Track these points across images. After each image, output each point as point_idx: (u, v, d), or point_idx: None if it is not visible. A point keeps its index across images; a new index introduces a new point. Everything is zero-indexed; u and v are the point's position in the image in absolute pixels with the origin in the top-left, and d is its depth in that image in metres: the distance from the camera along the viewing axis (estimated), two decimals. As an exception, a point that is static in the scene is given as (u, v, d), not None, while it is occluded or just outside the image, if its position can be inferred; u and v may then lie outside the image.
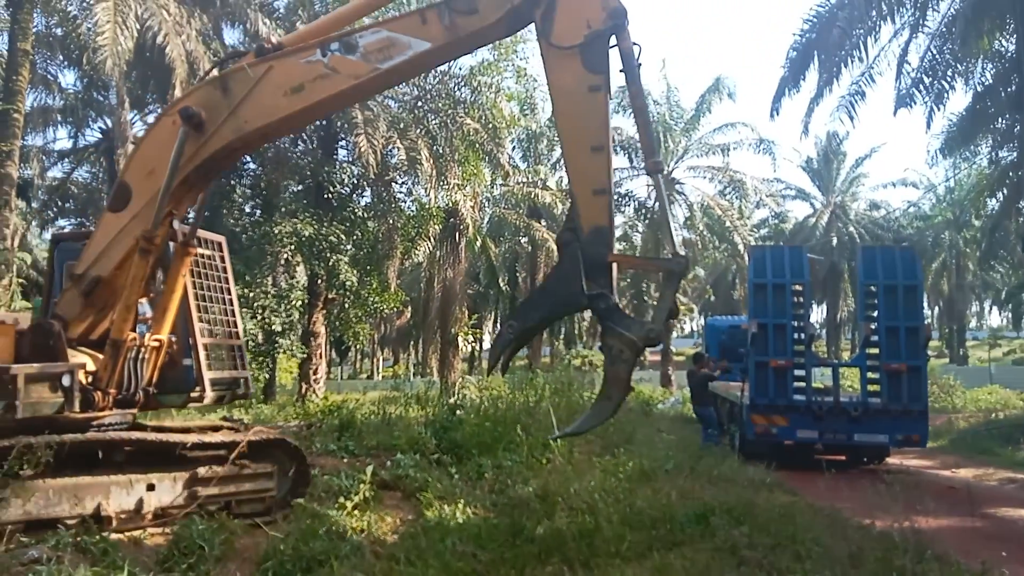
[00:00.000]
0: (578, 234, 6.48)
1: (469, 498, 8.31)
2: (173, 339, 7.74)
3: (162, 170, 6.78)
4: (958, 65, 19.41)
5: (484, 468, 9.68)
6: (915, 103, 19.31)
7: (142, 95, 22.18)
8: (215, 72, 7.38)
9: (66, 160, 25.98)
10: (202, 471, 7.44)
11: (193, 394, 7.93)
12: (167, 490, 7.25)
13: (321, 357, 22.94)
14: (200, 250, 8.09)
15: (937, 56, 18.99)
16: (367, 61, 6.76)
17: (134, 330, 7.25)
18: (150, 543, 6.84)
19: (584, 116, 6.62)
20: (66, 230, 27.45)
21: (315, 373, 22.12)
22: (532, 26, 6.76)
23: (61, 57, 21.46)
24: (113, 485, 6.94)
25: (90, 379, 7.08)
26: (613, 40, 6.45)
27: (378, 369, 65.90)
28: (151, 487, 7.15)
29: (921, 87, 19.15)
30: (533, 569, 6.31)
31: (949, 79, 19.46)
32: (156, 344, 7.51)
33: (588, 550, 6.57)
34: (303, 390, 21.81)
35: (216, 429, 8.47)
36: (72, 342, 7.20)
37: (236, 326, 8.84)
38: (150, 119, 24.57)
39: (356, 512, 7.68)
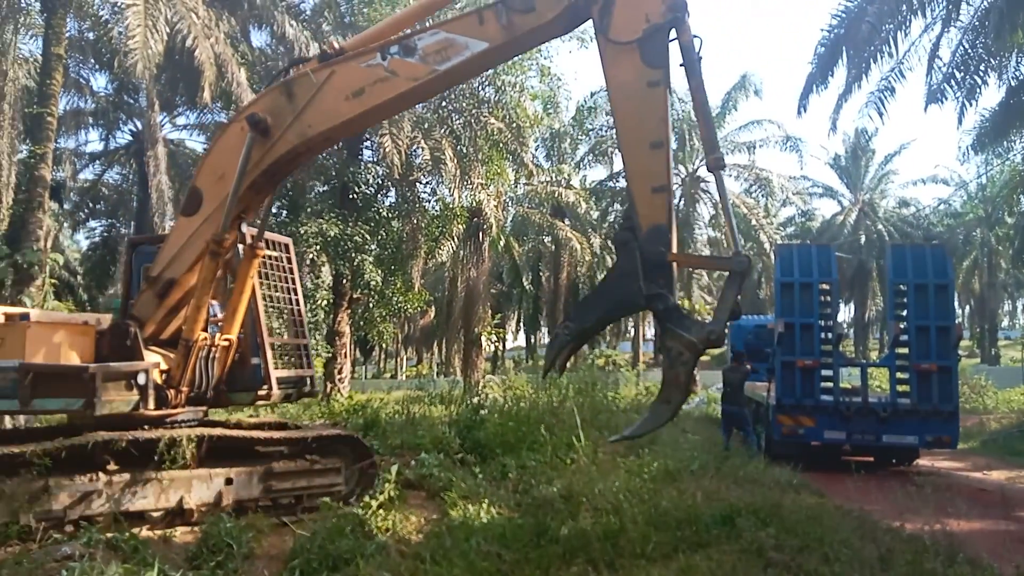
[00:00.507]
0: (636, 233, 6.40)
1: (493, 498, 8.33)
2: (242, 338, 8.09)
3: (231, 175, 7.00)
4: (991, 59, 19.04)
5: (508, 468, 9.70)
6: (946, 99, 18.99)
7: (171, 98, 22.51)
8: (282, 78, 7.54)
9: (97, 162, 26.44)
10: (277, 466, 7.81)
11: (261, 392, 8.27)
12: (243, 484, 7.62)
13: (346, 356, 23.10)
14: (268, 252, 8.38)
15: (969, 50, 18.65)
16: (425, 63, 6.84)
17: (205, 330, 7.58)
18: (179, 541, 6.96)
19: (643, 112, 6.54)
20: (96, 231, 27.98)
21: (340, 372, 22.29)
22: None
23: (93, 61, 21.83)
24: (195, 479, 7.29)
25: (164, 377, 7.42)
26: (672, 34, 6.38)
27: (402, 368, 66.24)
28: (229, 481, 7.51)
29: (952, 82, 18.82)
30: (558, 569, 6.31)
31: (982, 74, 19.11)
32: (226, 344, 7.82)
33: (613, 551, 6.55)
34: (328, 389, 21.98)
35: (282, 427, 8.79)
36: (147, 341, 7.55)
37: (303, 325, 9.22)
38: (180, 121, 25.02)
39: (381, 511, 7.73)
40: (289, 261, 9.20)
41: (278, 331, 8.98)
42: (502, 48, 7.03)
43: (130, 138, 24.46)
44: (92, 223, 28.37)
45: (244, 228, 7.73)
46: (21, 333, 7.04)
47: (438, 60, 6.84)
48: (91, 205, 27.48)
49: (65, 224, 31.25)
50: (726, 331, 6.28)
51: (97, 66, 22.12)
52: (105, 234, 27.31)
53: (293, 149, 7.23)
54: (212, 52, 17.59)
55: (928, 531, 6.47)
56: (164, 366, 7.49)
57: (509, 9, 6.65)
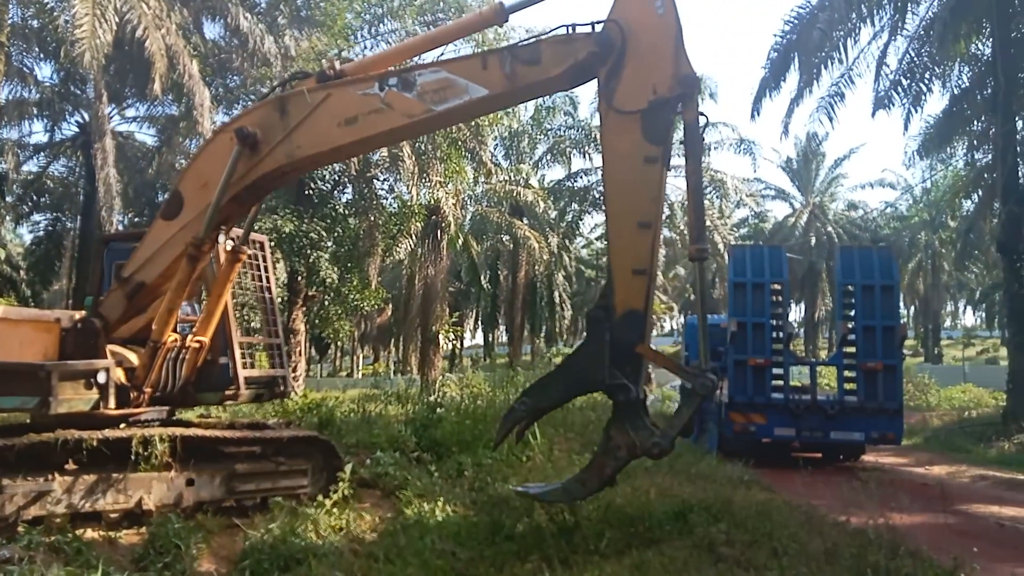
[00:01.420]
0: (610, 314, 6.23)
1: (449, 496, 8.30)
2: (212, 338, 7.99)
3: (215, 184, 6.81)
4: (935, 68, 19.70)
5: (464, 466, 9.67)
6: (893, 105, 19.60)
7: (120, 89, 21.87)
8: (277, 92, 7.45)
9: (42, 154, 25.56)
10: (240, 467, 7.72)
11: (228, 392, 8.18)
12: (205, 485, 7.52)
13: (300, 354, 22.79)
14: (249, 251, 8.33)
15: (915, 58, 19.26)
16: (422, 101, 6.61)
17: (175, 331, 7.49)
18: (125, 542, 6.78)
19: (636, 188, 6.32)
20: (41, 224, 27.09)
21: (294, 371, 21.93)
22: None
23: (37, 49, 21.13)
24: (154, 480, 7.16)
25: (127, 376, 7.32)
26: (678, 107, 6.19)
27: (358, 367, 65.62)
28: (191, 482, 7.40)
29: (899, 89, 19.41)
30: (512, 567, 6.31)
31: (927, 81, 19.75)
32: (197, 345, 7.76)
33: (567, 547, 6.59)
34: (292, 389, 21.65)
35: (257, 427, 8.68)
36: (112, 340, 7.42)
37: (276, 325, 9.06)
38: (129, 113, 24.37)
39: (335, 510, 7.65)
40: (264, 260, 9.08)
41: (257, 330, 8.90)
42: (502, 97, 6.84)
43: (77, 130, 23.70)
44: (36, 216, 27.48)
45: (221, 236, 7.63)
46: None
47: (435, 100, 6.61)
48: (35, 198, 26.59)
49: (7, 217, 30.18)
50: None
51: (42, 55, 21.42)
52: (50, 228, 26.46)
53: (279, 168, 7.05)
54: (163, 43, 17.18)
55: (872, 525, 6.64)
56: (127, 365, 7.37)
57: (514, 58, 6.45)
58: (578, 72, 6.51)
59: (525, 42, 6.67)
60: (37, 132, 25.26)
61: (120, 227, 20.04)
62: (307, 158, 7.08)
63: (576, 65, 6.36)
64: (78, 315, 7.59)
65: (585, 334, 6.82)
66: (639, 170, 6.26)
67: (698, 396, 6.35)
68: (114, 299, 7.33)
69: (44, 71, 22.51)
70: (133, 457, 7.03)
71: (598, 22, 6.33)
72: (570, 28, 6.41)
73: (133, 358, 7.54)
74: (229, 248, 7.79)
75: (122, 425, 7.37)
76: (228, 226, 7.63)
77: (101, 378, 7.01)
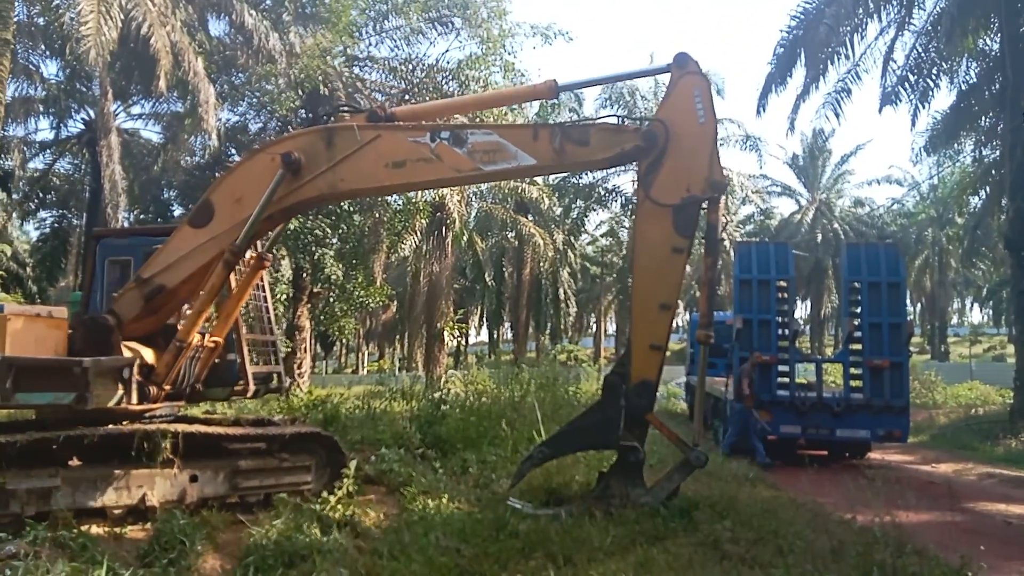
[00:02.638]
0: (626, 380, 7.05)
1: (453, 493, 8.30)
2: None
3: (249, 199, 7.13)
4: (943, 63, 19.56)
5: (468, 463, 9.67)
6: (900, 101, 19.47)
7: (126, 86, 21.90)
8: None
9: (48, 151, 25.63)
10: (244, 463, 7.78)
11: (237, 388, 8.49)
12: (209, 482, 7.59)
13: (306, 351, 22.79)
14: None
15: (923, 54, 19.13)
16: (471, 158, 7.05)
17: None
18: (131, 538, 6.80)
19: (661, 273, 7.07)
20: (47, 221, 27.17)
21: (299, 367, 21.98)
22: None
23: (43, 47, 21.17)
24: (158, 476, 7.23)
25: (145, 373, 7.53)
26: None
27: (363, 364, 65.71)
28: (194, 478, 7.48)
29: (906, 85, 19.29)
30: (516, 564, 6.30)
31: (934, 77, 19.62)
32: (212, 344, 8.10)
33: (571, 545, 6.57)
34: (287, 384, 21.67)
35: (262, 423, 8.77)
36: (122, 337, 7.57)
37: (271, 322, 9.34)
38: (135, 110, 24.40)
39: (339, 506, 7.66)
40: None
41: (250, 328, 9.07)
42: (548, 168, 7.33)
43: (82, 127, 23.73)
44: (42, 213, 27.54)
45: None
46: (1, 326, 6.93)
47: (485, 160, 7.06)
48: (41, 195, 26.66)
49: (14, 214, 30.29)
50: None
51: (48, 52, 21.46)
52: (56, 225, 26.52)
53: (320, 196, 7.42)
54: (168, 40, 17.18)
55: (878, 523, 6.61)
56: (142, 362, 7.52)
57: (565, 136, 6.96)
58: (622, 159, 7.28)
59: (578, 123, 7.50)
60: (43, 129, 25.40)
61: (126, 223, 20.09)
62: (349, 191, 7.64)
63: (622, 153, 7.11)
64: (58, 310, 7.71)
65: (601, 396, 7.52)
66: (666, 258, 7.05)
67: (691, 467, 7.30)
68: (131, 298, 7.42)
69: (50, 68, 22.62)
70: (135, 454, 7.08)
71: (646, 119, 7.06)
72: (621, 120, 7.44)
73: (148, 355, 7.67)
74: (254, 255, 8.18)
75: (124, 421, 7.45)
76: (258, 239, 8.01)
77: (126, 374, 7.17)
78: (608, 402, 7.23)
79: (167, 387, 7.62)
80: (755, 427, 12.98)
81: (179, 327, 7.63)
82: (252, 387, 8.48)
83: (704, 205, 7.03)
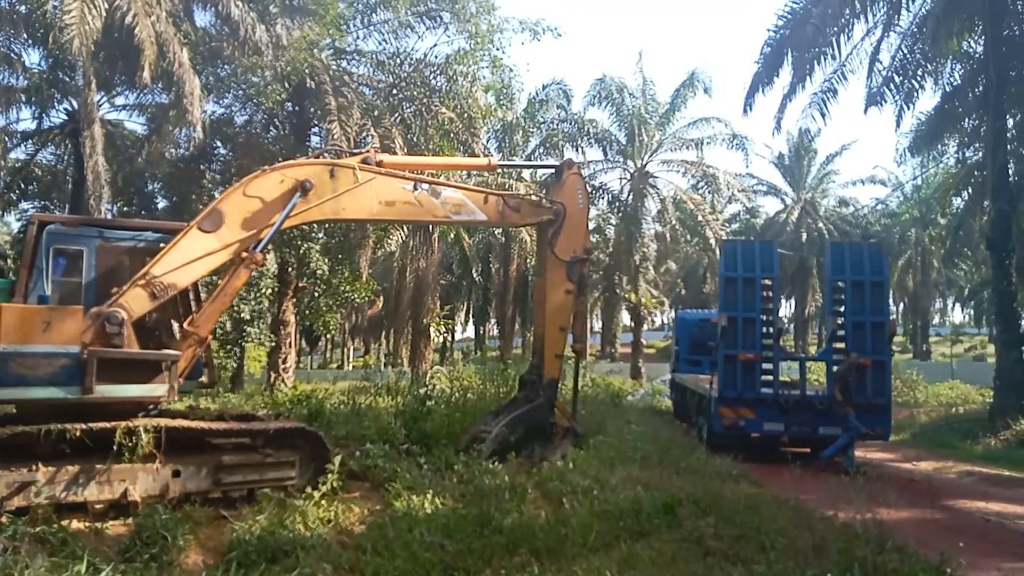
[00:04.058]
0: (540, 377, 10.28)
1: (438, 488, 8.28)
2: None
3: (259, 212, 8.20)
4: (928, 65, 19.71)
5: (453, 459, 9.65)
6: (885, 101, 19.59)
7: (110, 77, 21.62)
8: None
9: (30, 141, 25.27)
10: (227, 459, 7.79)
11: (202, 380, 8.81)
12: (192, 477, 7.61)
13: (290, 346, 22.68)
14: None
15: (908, 55, 19.27)
16: (443, 208, 9.40)
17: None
18: (112, 533, 6.74)
19: (561, 307, 10.42)
20: (28, 212, 26.81)
21: (284, 362, 21.86)
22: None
23: (25, 35, 20.86)
24: (140, 471, 7.21)
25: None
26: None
27: (348, 359, 65.49)
28: (177, 473, 7.48)
29: (892, 86, 19.42)
30: (501, 559, 6.31)
31: (919, 78, 19.77)
32: (199, 339, 8.33)
33: (556, 540, 6.59)
34: (272, 379, 21.57)
35: (245, 418, 8.76)
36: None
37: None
38: (118, 101, 24.12)
39: (323, 502, 7.62)
40: None
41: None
42: (494, 223, 10.86)
43: (65, 117, 23.41)
44: (24, 205, 27.16)
45: None
46: (75, 318, 7.11)
47: (453, 211, 9.52)
48: (23, 186, 26.26)
49: (-6, 205, 29.90)
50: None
51: (30, 41, 21.15)
52: (38, 216, 26.15)
53: (324, 218, 9.40)
54: (153, 30, 17.00)
55: (860, 520, 6.67)
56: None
57: (504, 203, 10.03)
58: (540, 224, 10.48)
59: (513, 195, 10.92)
60: (25, 119, 24.90)
61: (109, 215, 19.88)
62: (347, 218, 10.39)
63: (540, 221, 10.40)
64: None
65: (521, 391, 10.66)
66: (563, 296, 10.42)
67: (573, 435, 10.69)
68: (138, 295, 7.61)
69: (32, 57, 22.25)
70: (116, 448, 7.02)
71: (554, 201, 10.38)
72: (542, 198, 10.53)
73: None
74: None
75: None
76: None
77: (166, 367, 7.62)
78: (531, 393, 10.24)
79: (181, 380, 7.87)
80: (854, 433, 12.51)
81: (189, 324, 8.01)
82: (211, 379, 9.10)
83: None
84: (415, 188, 9.21)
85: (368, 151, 9.39)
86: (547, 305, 10.29)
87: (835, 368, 13.04)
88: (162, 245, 7.99)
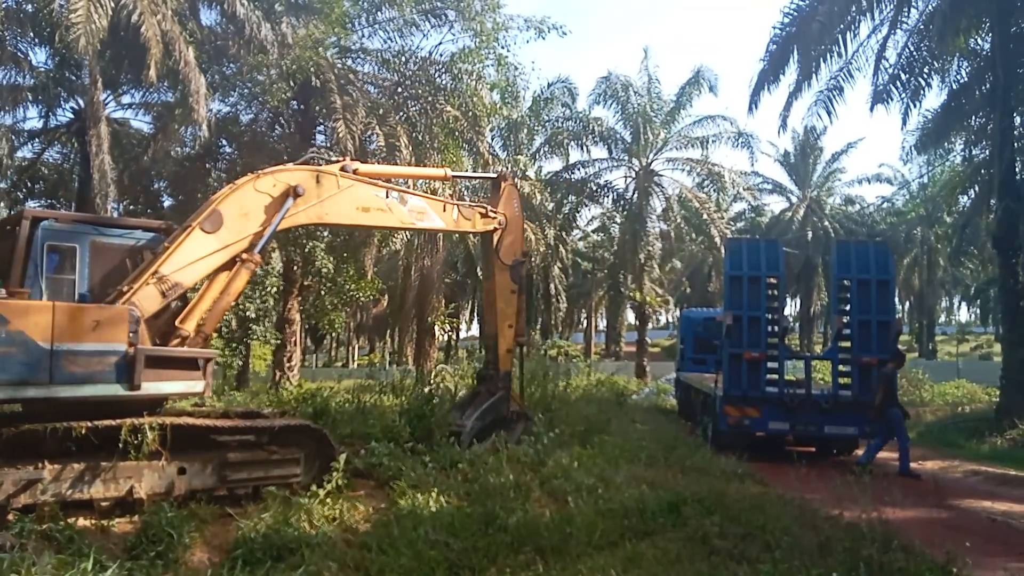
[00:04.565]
0: (497, 372, 11.17)
1: (443, 487, 8.29)
2: None
3: (254, 215, 8.61)
4: (935, 62, 19.59)
5: (458, 457, 9.67)
6: (892, 99, 19.47)
7: (116, 75, 21.68)
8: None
9: (36, 140, 25.36)
10: (232, 456, 7.84)
11: None
12: (197, 474, 7.65)
13: (296, 344, 22.72)
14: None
15: (914, 53, 19.16)
16: (409, 215, 10.16)
17: None
18: (118, 531, 6.76)
19: (508, 305, 11.39)
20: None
21: (289, 360, 21.91)
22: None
23: (32, 34, 20.92)
24: (145, 469, 7.24)
25: None
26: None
27: (354, 357, 65.58)
28: (182, 471, 7.51)
29: (898, 83, 19.30)
30: (506, 558, 6.31)
31: (926, 76, 19.65)
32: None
33: (561, 539, 6.59)
34: (277, 377, 21.61)
35: (250, 415, 8.80)
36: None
37: None
38: (125, 99, 24.18)
39: (328, 500, 7.64)
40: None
41: None
42: (450, 230, 12.00)
43: (71, 116, 23.48)
44: (31, 203, 27.26)
45: None
46: (122, 317, 7.31)
47: (417, 217, 10.27)
48: (29, 184, 26.36)
49: (1, 203, 30.00)
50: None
51: (36, 40, 21.21)
52: (44, 215, 26.20)
53: (310, 222, 9.87)
54: (159, 29, 17.02)
55: (865, 519, 6.66)
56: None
57: (459, 211, 10.92)
58: (487, 232, 11.27)
59: (468, 205, 11.31)
60: (32, 118, 25.01)
61: (115, 214, 19.95)
62: (331, 223, 11.05)
63: (486, 230, 11.24)
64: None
65: (479, 383, 11.67)
66: (509, 296, 11.40)
67: (529, 420, 11.50)
68: (150, 294, 7.76)
69: (39, 56, 22.31)
70: (122, 446, 7.03)
71: (496, 212, 11.19)
72: (488, 208, 11.18)
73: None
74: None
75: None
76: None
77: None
78: (492, 388, 11.13)
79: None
80: (903, 438, 12.54)
81: (200, 322, 8.21)
82: None
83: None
84: (387, 195, 9.87)
85: (345, 159, 9.96)
86: (498, 306, 11.23)
87: (881, 370, 12.81)
88: (151, 243, 8.19)
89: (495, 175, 12.11)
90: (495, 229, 11.21)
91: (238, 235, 8.43)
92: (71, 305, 7.24)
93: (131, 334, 7.38)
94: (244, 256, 8.47)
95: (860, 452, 14.48)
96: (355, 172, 9.63)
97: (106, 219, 9.68)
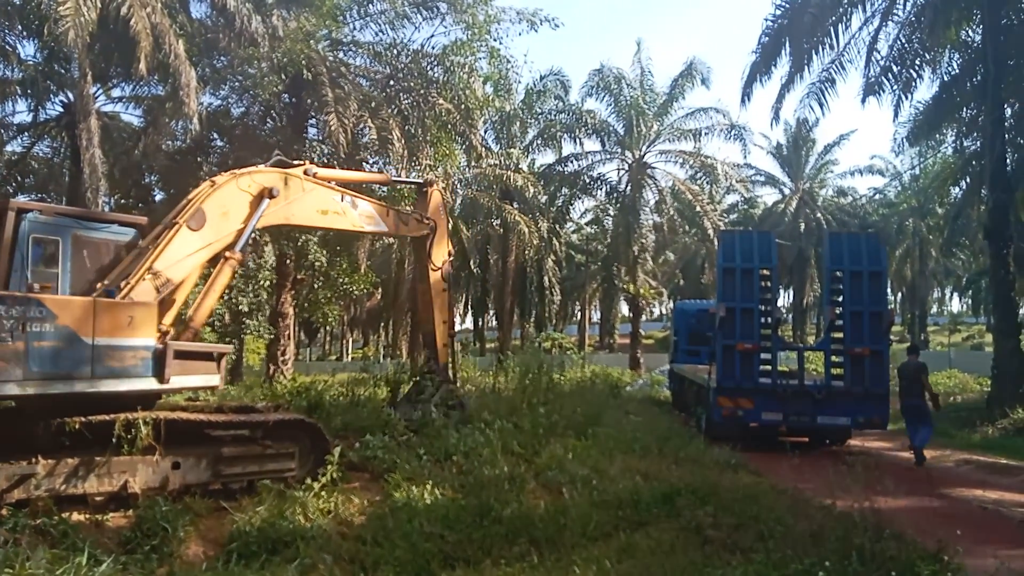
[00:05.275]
0: (437, 364, 12.18)
1: (437, 479, 8.31)
2: None
3: (234, 213, 8.85)
4: (926, 54, 19.63)
5: (452, 449, 9.68)
6: (883, 91, 19.53)
7: (105, 68, 21.51)
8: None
9: (26, 134, 25.17)
10: (226, 450, 7.90)
11: None
12: (191, 468, 7.70)
13: (289, 338, 22.66)
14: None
15: (906, 45, 19.19)
16: (359, 218, 10.63)
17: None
18: (112, 525, 6.75)
19: (441, 303, 12.32)
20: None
21: (283, 354, 21.85)
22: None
23: (20, 27, 20.74)
24: (139, 463, 7.28)
25: None
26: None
27: (348, 351, 65.50)
28: (176, 465, 7.58)
29: (890, 75, 19.35)
30: (500, 549, 6.34)
31: (917, 68, 19.70)
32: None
33: (555, 530, 6.61)
34: (271, 371, 21.58)
35: (244, 410, 8.82)
36: None
37: None
38: (115, 93, 24.03)
39: (323, 493, 7.65)
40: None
41: None
42: (391, 234, 12.63)
43: (61, 110, 23.32)
44: (21, 198, 27.09)
45: None
46: (152, 313, 7.57)
47: (366, 221, 10.79)
48: (19, 179, 26.18)
49: (-9, 198, 29.78)
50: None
51: (25, 33, 21.02)
52: (35, 210, 26.02)
53: (279, 223, 10.10)
54: (149, 22, 16.87)
55: (857, 508, 6.69)
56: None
57: (398, 217, 11.56)
58: (420, 236, 12.02)
59: (405, 212, 11.99)
60: (21, 111, 24.71)
61: (107, 208, 19.84)
62: (296, 224, 11.09)
63: (419, 234, 11.99)
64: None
65: (422, 376, 12.39)
66: (441, 295, 12.34)
67: (464, 407, 11.92)
68: (145, 289, 7.84)
69: (27, 49, 22.11)
70: (116, 441, 7.02)
71: (426, 217, 11.93)
72: (421, 216, 11.88)
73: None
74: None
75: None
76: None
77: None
78: (433, 380, 12.04)
79: None
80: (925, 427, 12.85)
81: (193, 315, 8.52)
82: None
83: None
84: (342, 199, 10.30)
85: (305, 163, 10.17)
86: (434, 304, 12.13)
87: (913, 364, 13.11)
88: (128, 239, 8.34)
89: (421, 181, 12.69)
90: (427, 235, 11.95)
91: (220, 233, 8.64)
92: (109, 301, 7.41)
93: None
94: (227, 254, 8.72)
95: (852, 442, 14.62)
96: (315, 176, 9.96)
97: (86, 212, 9.66)
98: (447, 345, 12.52)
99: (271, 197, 9.11)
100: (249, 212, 8.95)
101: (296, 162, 10.21)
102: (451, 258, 12.68)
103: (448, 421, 10.88)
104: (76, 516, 6.69)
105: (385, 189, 18.85)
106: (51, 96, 23.01)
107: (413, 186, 12.95)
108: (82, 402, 7.09)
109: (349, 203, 10.39)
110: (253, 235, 9.53)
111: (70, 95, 21.96)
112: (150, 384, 7.48)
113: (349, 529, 7.04)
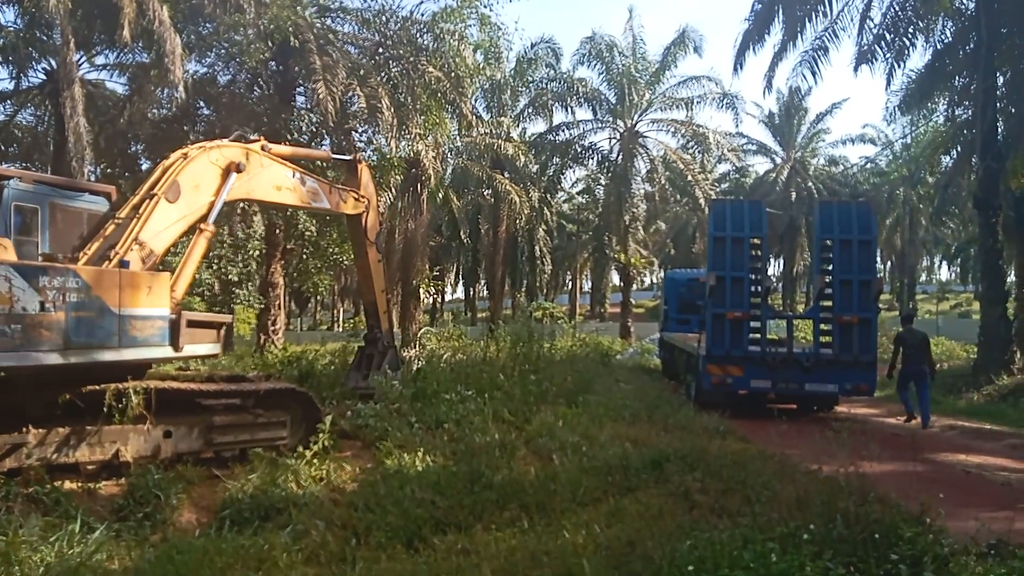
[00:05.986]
0: (380, 331, 12.76)
1: (428, 446, 8.37)
2: None
3: (205, 186, 8.95)
4: (919, 22, 19.49)
5: (443, 417, 9.74)
6: (876, 60, 19.41)
7: (89, 35, 21.14)
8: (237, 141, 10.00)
9: (8, 102, 24.79)
10: (218, 419, 7.98)
11: None
12: (183, 437, 7.77)
13: (280, 308, 22.63)
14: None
15: (899, 12, 19.05)
16: (308, 195, 10.89)
17: None
18: (104, 493, 6.79)
19: (378, 273, 12.93)
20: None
21: (274, 324, 21.84)
22: None
23: (-1, -8, 20.29)
24: (131, 432, 7.32)
25: None
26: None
27: (338, 320, 65.48)
28: (168, 434, 7.62)
29: (882, 43, 19.22)
30: (491, 515, 6.40)
31: (910, 36, 19.56)
32: None
33: (545, 495, 6.68)
34: (261, 341, 21.58)
35: (235, 379, 8.92)
36: None
37: None
38: (98, 60, 23.63)
39: (315, 461, 7.70)
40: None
41: None
42: (332, 212, 11.92)
43: (44, 77, 22.94)
44: (4, 166, 26.73)
45: None
46: (166, 283, 7.72)
47: (312, 198, 11.02)
48: (3, 147, 25.85)
49: (-25, 168, 29.36)
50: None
51: (5, -1, 20.59)
52: (19, 179, 25.70)
53: (241, 198, 10.43)
54: (131, -13, 16.57)
55: (843, 473, 6.76)
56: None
57: (338, 194, 11.71)
58: (357, 213, 12.23)
59: (343, 189, 11.95)
60: (3, 79, 24.40)
61: (92, 177, 19.62)
62: (256, 199, 11.16)
63: (356, 211, 12.18)
64: None
65: (367, 344, 12.95)
66: (378, 267, 12.97)
67: (398, 367, 12.68)
68: (133, 259, 7.84)
69: (7, 15, 21.70)
70: (107, 410, 7.03)
71: (360, 195, 12.18)
72: (357, 194, 12.13)
73: None
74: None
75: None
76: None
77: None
78: (381, 346, 12.67)
79: None
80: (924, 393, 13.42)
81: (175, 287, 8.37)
82: None
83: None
84: (293, 176, 10.51)
85: (260, 139, 10.24)
86: (373, 275, 12.68)
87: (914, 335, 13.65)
88: (99, 207, 8.45)
89: (350, 158, 12.80)
90: (363, 212, 12.21)
91: (193, 206, 8.74)
92: (131, 272, 7.49)
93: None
94: (201, 226, 8.80)
95: (840, 408, 14.78)
96: (270, 152, 10.11)
97: (62, 180, 9.60)
98: (387, 311, 13.24)
99: (238, 171, 9.21)
100: (219, 185, 9.06)
101: (253, 137, 10.36)
102: (381, 227, 13.32)
103: (395, 379, 11.27)
104: (68, 484, 6.72)
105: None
106: (33, 63, 22.62)
107: (343, 162, 13.01)
108: (107, 371, 7.20)
109: (299, 179, 10.59)
110: (240, 206, 9.58)
111: (53, 62, 21.59)
112: (166, 352, 7.65)
113: (341, 496, 7.10)
